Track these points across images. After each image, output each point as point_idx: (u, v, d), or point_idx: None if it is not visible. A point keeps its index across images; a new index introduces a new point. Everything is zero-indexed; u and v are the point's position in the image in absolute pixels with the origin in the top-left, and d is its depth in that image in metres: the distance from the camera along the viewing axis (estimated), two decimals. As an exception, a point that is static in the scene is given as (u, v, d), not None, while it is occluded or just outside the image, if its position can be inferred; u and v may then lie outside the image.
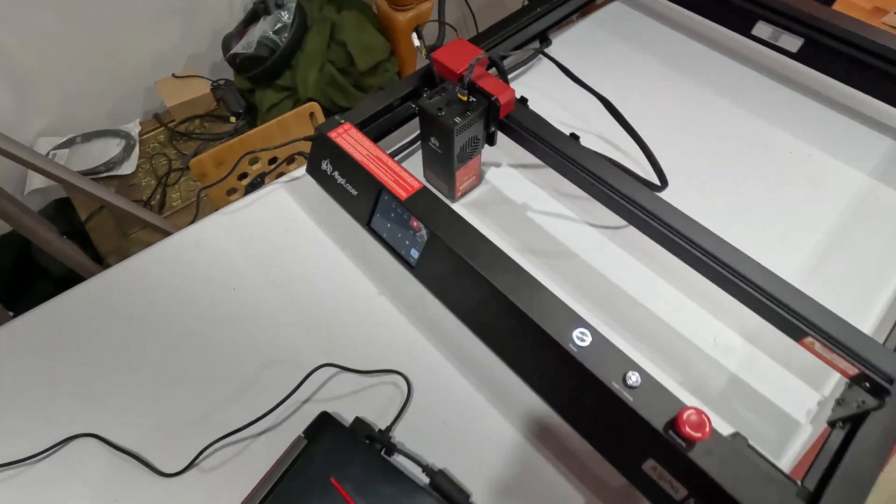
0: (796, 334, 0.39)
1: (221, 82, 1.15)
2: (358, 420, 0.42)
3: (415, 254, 0.47)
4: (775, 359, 0.45)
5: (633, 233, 0.47)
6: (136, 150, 1.08)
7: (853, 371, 0.37)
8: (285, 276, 0.51)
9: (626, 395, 0.35)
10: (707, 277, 0.43)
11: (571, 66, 0.53)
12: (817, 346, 0.38)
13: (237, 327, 0.47)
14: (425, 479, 0.39)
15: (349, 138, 0.50)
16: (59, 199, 1.08)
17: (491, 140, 0.53)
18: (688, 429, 0.32)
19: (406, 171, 0.47)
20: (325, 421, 0.40)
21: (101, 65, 1.08)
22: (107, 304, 0.49)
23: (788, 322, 0.39)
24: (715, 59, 0.70)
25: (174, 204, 1.01)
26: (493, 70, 0.55)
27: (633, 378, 0.35)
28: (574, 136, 0.48)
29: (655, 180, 0.52)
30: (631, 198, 0.44)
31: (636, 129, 0.53)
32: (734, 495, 0.32)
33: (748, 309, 0.41)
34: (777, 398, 0.43)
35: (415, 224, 0.46)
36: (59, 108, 1.08)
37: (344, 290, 0.50)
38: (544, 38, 0.69)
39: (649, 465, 0.36)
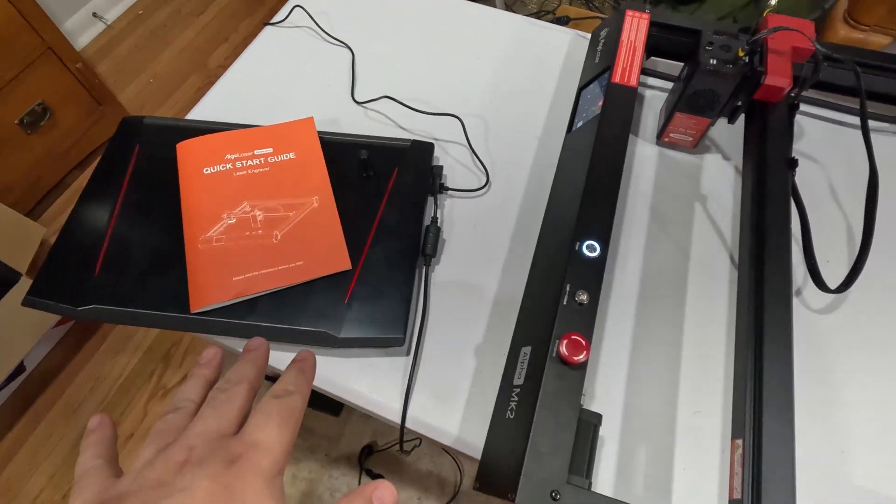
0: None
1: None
2: (438, 167, 0.54)
3: (578, 123, 0.52)
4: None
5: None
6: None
7: None
8: (504, 83, 0.62)
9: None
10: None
11: None
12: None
13: (461, 66, 0.63)
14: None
15: (635, 24, 0.55)
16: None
17: (732, 116, 0.51)
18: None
19: (637, 72, 0.51)
20: (427, 148, 0.54)
21: None
22: None
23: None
24: None
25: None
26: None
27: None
28: (791, 163, 0.44)
29: (833, 278, 0.44)
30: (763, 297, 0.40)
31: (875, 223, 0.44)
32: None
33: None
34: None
35: (600, 103, 0.51)
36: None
37: (527, 106, 0.59)
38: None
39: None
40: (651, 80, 0.61)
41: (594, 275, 0.40)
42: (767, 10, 0.52)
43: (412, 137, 0.55)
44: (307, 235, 0.48)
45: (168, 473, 0.21)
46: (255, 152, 0.53)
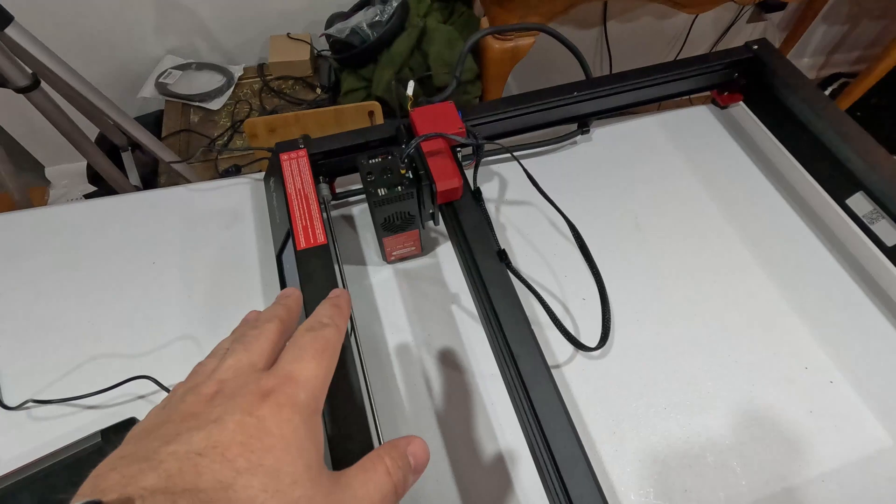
0: None
1: (323, 53, 1.20)
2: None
3: (292, 306, 0.45)
4: None
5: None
6: (230, 91, 1.18)
7: None
8: (200, 271, 0.52)
9: None
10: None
11: (601, 169, 0.45)
12: None
13: (138, 297, 0.50)
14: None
15: (295, 166, 0.49)
16: (160, 111, 1.23)
17: (435, 219, 0.48)
18: None
19: (321, 223, 0.45)
20: (127, 427, 0.41)
21: (234, 8, 1.19)
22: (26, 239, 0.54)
23: None
24: (778, 210, 0.57)
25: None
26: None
27: None
28: (501, 255, 0.42)
29: (591, 337, 0.44)
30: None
31: (602, 269, 0.45)
32: None
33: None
34: None
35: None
36: (190, 34, 1.21)
37: (238, 292, 0.50)
38: (584, 125, 0.61)
39: None
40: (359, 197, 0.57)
41: None
42: (409, 103, 0.51)
43: (110, 420, 0.42)
44: None
45: (199, 405, 0.20)
46: None
